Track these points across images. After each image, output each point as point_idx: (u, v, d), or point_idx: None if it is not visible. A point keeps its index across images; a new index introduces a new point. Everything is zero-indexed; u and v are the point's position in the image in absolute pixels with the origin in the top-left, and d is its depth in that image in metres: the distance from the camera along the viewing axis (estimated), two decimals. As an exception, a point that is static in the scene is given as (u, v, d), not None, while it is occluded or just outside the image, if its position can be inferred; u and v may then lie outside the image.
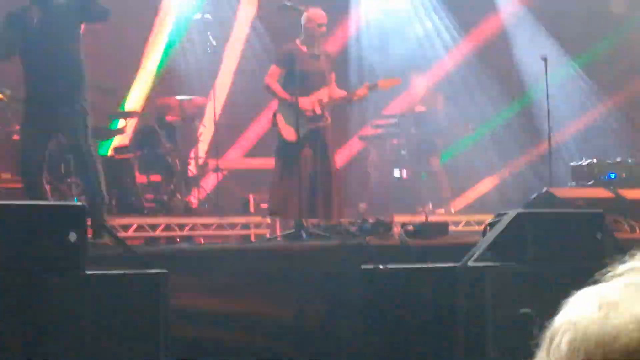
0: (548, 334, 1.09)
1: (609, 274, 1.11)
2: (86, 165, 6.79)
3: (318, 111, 7.94)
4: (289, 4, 7.80)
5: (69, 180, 8.73)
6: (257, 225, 9.63)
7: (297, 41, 8.14)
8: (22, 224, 3.96)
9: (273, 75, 8.10)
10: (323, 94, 7.96)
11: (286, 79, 8.06)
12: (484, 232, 5.36)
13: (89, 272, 4.08)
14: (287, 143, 7.91)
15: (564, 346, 1.06)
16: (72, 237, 3.99)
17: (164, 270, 4.25)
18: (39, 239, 3.95)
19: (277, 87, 8.03)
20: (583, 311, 1.06)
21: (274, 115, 8.12)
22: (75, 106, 6.71)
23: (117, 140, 10.11)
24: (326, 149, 8.00)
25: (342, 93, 8.28)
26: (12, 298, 3.78)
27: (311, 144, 7.90)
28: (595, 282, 1.12)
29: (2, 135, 8.97)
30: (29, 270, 3.89)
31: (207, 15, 10.59)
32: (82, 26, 6.95)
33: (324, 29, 8.14)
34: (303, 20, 8.10)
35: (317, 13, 8.10)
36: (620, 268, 1.11)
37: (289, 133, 7.91)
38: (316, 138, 7.94)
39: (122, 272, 4.34)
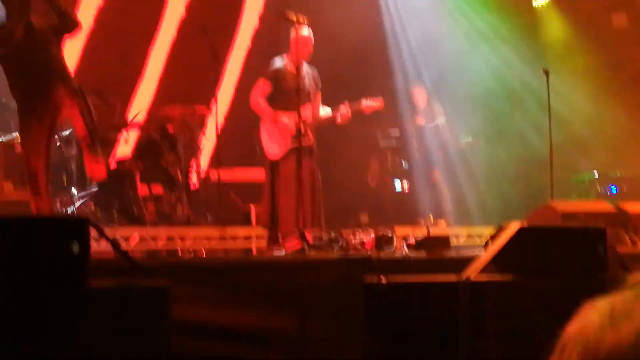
0: (557, 346, 1.08)
1: (618, 286, 1.11)
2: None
3: (302, 130, 7.94)
4: (290, 17, 7.78)
5: (70, 191, 8.76)
6: (259, 237, 9.63)
7: (285, 57, 8.14)
8: (23, 236, 3.95)
9: (260, 90, 8.15)
10: (306, 112, 7.94)
11: (271, 95, 8.09)
12: (485, 245, 5.37)
13: (91, 284, 4.08)
14: (272, 158, 8.02)
15: (574, 358, 1.05)
16: (75, 248, 3.99)
17: (166, 282, 4.25)
18: (41, 251, 3.95)
19: (261, 102, 8.07)
20: (594, 323, 1.06)
21: (258, 130, 8.17)
22: (68, 84, 6.98)
23: (119, 152, 10.13)
24: (310, 165, 7.99)
25: (326, 113, 8.28)
26: (15, 311, 3.78)
27: (296, 159, 7.86)
28: (601, 295, 1.11)
29: (3, 146, 8.98)
30: (31, 283, 3.89)
31: (209, 25, 10.62)
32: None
33: (310, 50, 8.10)
34: (291, 37, 8.09)
35: (304, 35, 8.03)
36: (630, 280, 1.11)
37: (272, 149, 8.06)
38: (300, 155, 7.95)
39: (124, 283, 4.34)
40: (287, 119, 8.03)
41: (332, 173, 11.86)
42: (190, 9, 12.09)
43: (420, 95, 11.48)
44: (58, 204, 8.65)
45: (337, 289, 5.65)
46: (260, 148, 8.24)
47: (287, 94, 8.01)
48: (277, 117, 8.04)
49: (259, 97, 8.14)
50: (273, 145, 8.09)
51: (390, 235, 6.40)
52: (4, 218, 4.03)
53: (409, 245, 6.23)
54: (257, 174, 11.12)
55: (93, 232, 4.39)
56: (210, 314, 5.44)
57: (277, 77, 8.11)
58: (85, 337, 3.91)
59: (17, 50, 6.83)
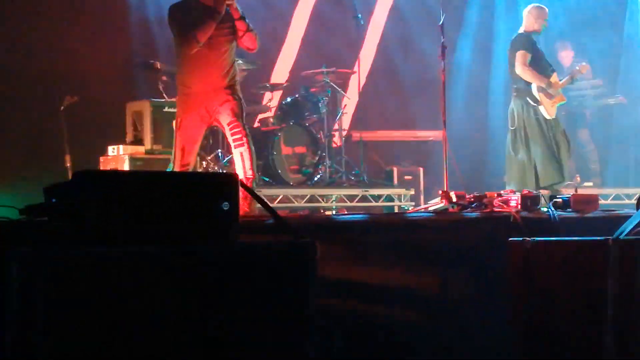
0: None
1: None
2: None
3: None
4: None
5: (217, 152, 8.98)
6: (401, 198, 9.66)
7: (525, 28, 9.10)
8: (174, 193, 4.06)
9: (524, 60, 8.98)
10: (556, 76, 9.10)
11: (531, 62, 9.03)
12: (637, 205, 5.22)
13: (239, 241, 4.17)
14: (545, 120, 8.94)
15: None
16: (225, 205, 4.08)
17: (311, 239, 4.29)
18: (191, 209, 4.04)
19: (531, 70, 8.97)
20: None
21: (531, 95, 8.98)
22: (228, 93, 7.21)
23: (263, 113, 10.29)
24: None
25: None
26: (166, 268, 3.87)
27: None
28: None
29: (153, 110, 9.24)
30: (182, 240, 3.99)
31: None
32: None
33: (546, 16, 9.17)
34: (528, 13, 9.10)
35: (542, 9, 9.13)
36: None
37: (548, 111, 8.93)
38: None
39: (270, 240, 4.41)
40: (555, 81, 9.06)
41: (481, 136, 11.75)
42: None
43: (566, 54, 11.21)
44: (204, 164, 8.87)
45: (481, 249, 5.60)
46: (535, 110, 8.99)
47: (542, 60, 9.08)
48: (551, 81, 8.99)
49: (525, 66, 8.94)
50: (548, 107, 8.95)
51: (536, 195, 6.27)
52: (158, 173, 4.15)
53: (555, 205, 6.09)
54: (398, 134, 11.15)
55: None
56: (351, 272, 5.48)
57: (533, 46, 9.01)
58: (234, 291, 4.01)
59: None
